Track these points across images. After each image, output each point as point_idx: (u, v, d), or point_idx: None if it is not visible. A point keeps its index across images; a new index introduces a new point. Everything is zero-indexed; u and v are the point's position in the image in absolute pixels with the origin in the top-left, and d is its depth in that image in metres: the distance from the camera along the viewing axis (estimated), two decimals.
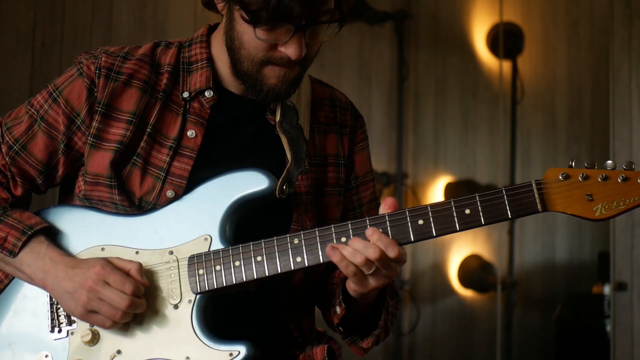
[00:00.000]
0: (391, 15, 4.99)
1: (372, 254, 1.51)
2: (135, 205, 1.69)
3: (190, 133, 1.71)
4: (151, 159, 1.70)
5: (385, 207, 1.57)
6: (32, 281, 1.67)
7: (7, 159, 1.73)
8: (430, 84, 5.29)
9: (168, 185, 1.69)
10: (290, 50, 1.59)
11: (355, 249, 1.52)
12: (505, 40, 5.27)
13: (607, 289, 4.91)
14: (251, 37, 1.60)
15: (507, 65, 5.40)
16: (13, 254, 1.65)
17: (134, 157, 1.70)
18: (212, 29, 1.80)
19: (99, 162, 1.69)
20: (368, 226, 1.55)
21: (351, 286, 1.59)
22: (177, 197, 1.68)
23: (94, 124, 1.70)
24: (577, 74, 5.69)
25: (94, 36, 3.62)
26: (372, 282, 1.57)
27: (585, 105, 5.68)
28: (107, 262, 1.61)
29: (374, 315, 1.72)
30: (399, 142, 5.04)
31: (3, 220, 1.68)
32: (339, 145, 1.84)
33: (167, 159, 1.70)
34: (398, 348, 4.96)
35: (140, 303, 1.59)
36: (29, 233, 1.66)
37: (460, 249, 5.25)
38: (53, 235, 1.70)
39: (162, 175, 1.69)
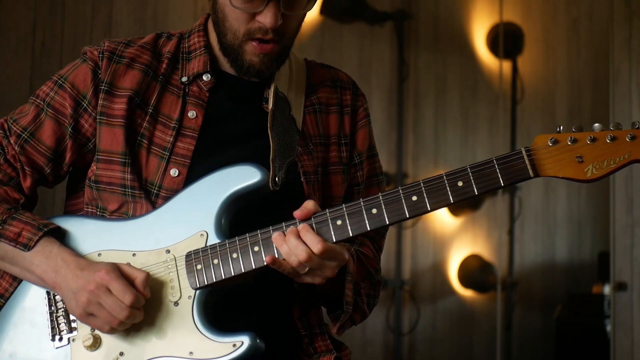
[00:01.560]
0: (391, 15, 4.99)
1: (302, 254, 1.53)
2: (142, 187, 1.70)
3: (191, 114, 1.75)
4: (155, 139, 1.73)
5: (298, 212, 1.59)
6: (42, 281, 1.67)
7: (16, 148, 1.75)
8: (430, 84, 5.30)
9: (172, 164, 1.71)
10: (266, 19, 1.66)
11: (289, 248, 1.55)
12: (505, 40, 5.27)
13: (607, 289, 4.91)
14: (230, 8, 1.68)
15: (507, 65, 5.40)
16: (28, 247, 1.64)
17: (138, 138, 1.73)
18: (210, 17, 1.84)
19: (112, 138, 1.72)
20: (362, 207, 1.56)
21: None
22: (180, 176, 1.70)
23: (100, 102, 1.74)
24: (577, 74, 5.69)
25: (94, 36, 3.62)
26: (307, 279, 1.59)
27: (585, 105, 5.68)
28: (114, 268, 1.60)
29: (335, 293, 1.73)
30: (399, 142, 5.05)
31: (16, 218, 1.68)
32: (341, 125, 1.86)
33: (171, 139, 1.72)
34: (398, 348, 4.97)
35: (137, 314, 1.59)
36: (45, 230, 1.66)
37: (460, 249, 5.26)
38: (60, 239, 1.70)
39: (167, 155, 1.72)
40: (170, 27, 3.91)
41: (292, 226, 1.58)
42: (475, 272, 5.21)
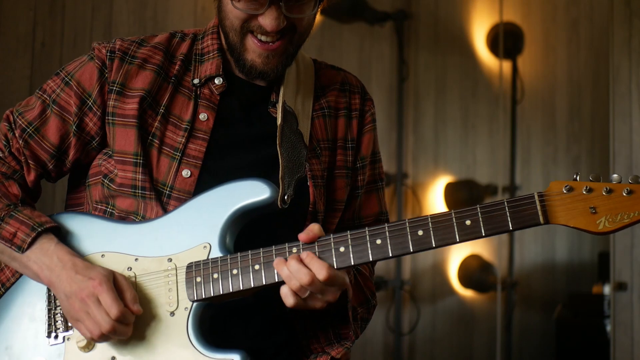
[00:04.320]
0: (391, 15, 4.99)
1: (304, 278, 1.52)
2: (154, 188, 1.70)
3: (202, 116, 1.74)
4: (166, 140, 1.72)
5: (303, 236, 1.57)
6: (38, 278, 1.67)
7: (20, 142, 1.75)
8: (430, 84, 5.29)
9: (184, 165, 1.71)
10: (266, 21, 1.64)
11: (290, 272, 1.53)
12: (505, 40, 5.27)
13: (607, 289, 4.92)
14: (231, 7, 1.67)
15: (507, 65, 5.40)
16: (21, 249, 1.65)
17: (150, 137, 1.72)
18: None
19: (126, 139, 1.72)
20: (367, 236, 1.55)
21: (282, 295, 1.58)
22: (191, 177, 1.69)
23: (110, 102, 1.74)
24: (577, 74, 5.69)
25: (94, 36, 3.62)
26: (309, 304, 1.57)
27: (585, 105, 5.68)
28: (108, 279, 1.59)
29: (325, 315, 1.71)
30: (399, 142, 5.04)
31: (13, 216, 1.67)
32: (348, 128, 1.86)
33: (183, 140, 1.72)
34: (398, 348, 4.96)
35: (123, 330, 1.58)
36: (39, 230, 1.66)
37: (460, 249, 5.25)
38: (61, 237, 1.70)
39: (178, 156, 1.71)
40: (170, 27, 3.90)
41: (294, 247, 1.57)
42: (475, 272, 5.21)
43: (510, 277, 5.34)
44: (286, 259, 1.55)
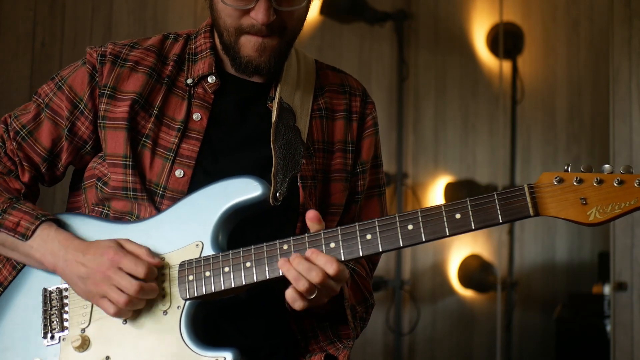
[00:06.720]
0: (391, 15, 4.99)
1: (315, 277, 1.50)
2: (146, 189, 1.70)
3: (195, 116, 1.74)
4: (159, 141, 1.73)
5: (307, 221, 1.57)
6: (42, 265, 1.68)
7: (14, 144, 1.78)
8: (430, 84, 5.29)
9: (177, 165, 1.71)
10: (258, 15, 1.64)
11: (299, 272, 1.51)
12: (505, 40, 5.27)
13: (607, 289, 4.92)
14: (222, 6, 1.67)
15: (507, 65, 5.40)
16: (25, 237, 1.66)
17: (143, 139, 1.73)
18: None
19: (115, 141, 1.73)
20: (357, 231, 1.54)
21: (289, 299, 1.56)
22: (185, 177, 1.70)
23: (101, 106, 1.75)
24: (577, 74, 5.69)
25: (94, 36, 3.62)
26: (315, 301, 1.55)
27: (585, 105, 5.68)
28: (119, 247, 1.61)
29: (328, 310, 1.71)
30: (399, 142, 5.04)
31: (16, 207, 1.70)
32: (348, 131, 1.85)
33: (176, 141, 1.72)
34: (398, 348, 4.96)
35: (151, 287, 1.59)
36: (42, 219, 1.68)
37: (460, 249, 5.25)
38: (60, 227, 1.71)
39: (171, 156, 1.71)
40: (170, 27, 3.90)
41: (285, 244, 1.56)
42: (475, 272, 5.21)
43: (510, 277, 5.34)
44: (288, 259, 1.53)
